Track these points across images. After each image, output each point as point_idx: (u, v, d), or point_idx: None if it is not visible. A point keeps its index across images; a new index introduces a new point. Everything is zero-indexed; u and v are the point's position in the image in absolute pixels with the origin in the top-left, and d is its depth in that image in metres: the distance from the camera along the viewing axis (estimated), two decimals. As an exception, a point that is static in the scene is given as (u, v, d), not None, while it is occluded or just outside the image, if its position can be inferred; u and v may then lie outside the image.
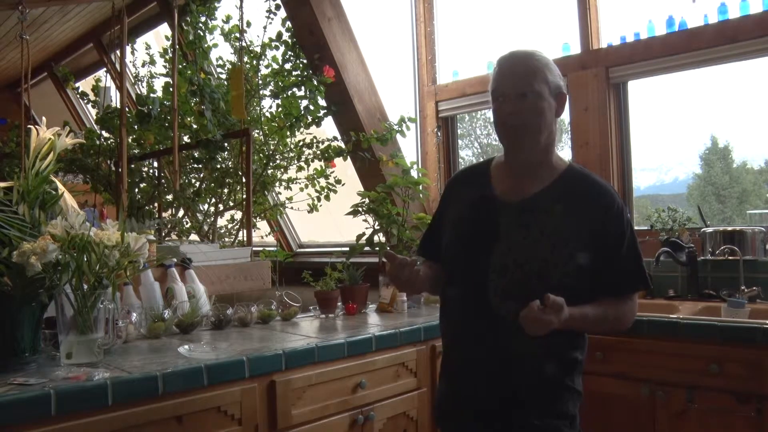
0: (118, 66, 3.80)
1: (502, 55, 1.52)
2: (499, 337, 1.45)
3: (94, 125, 4.80)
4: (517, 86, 1.45)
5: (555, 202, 1.47)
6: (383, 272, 2.68)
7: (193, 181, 3.80)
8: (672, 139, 3.25)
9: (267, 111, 3.62)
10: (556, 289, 1.37)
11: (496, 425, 1.48)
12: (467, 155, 4.00)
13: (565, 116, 3.30)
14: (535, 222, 1.45)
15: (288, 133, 3.51)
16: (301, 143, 3.60)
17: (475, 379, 1.51)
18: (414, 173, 3.06)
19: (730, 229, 2.66)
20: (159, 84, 3.97)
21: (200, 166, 3.67)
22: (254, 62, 3.56)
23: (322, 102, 3.47)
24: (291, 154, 3.63)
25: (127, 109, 3.42)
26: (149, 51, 4.05)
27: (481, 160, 1.78)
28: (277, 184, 3.76)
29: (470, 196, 1.58)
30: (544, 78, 1.46)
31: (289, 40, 3.50)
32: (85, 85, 5.33)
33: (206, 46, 3.71)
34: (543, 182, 1.50)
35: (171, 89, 3.32)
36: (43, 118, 1.80)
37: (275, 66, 3.55)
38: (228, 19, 3.65)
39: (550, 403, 1.47)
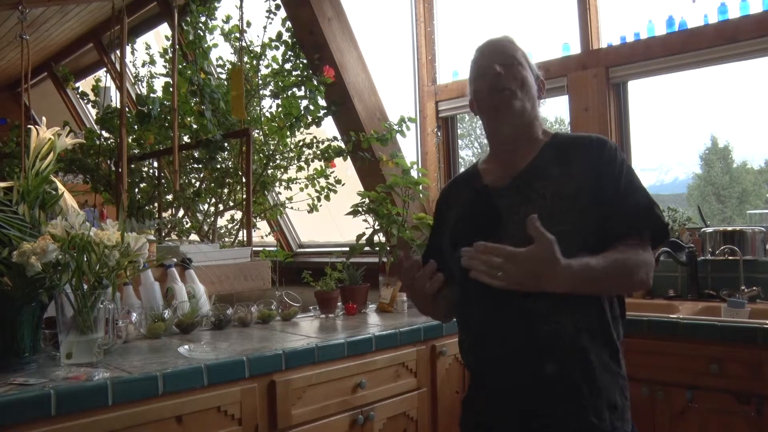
0: (118, 66, 3.80)
1: (480, 44, 1.54)
2: (529, 326, 1.31)
3: (94, 125, 4.80)
4: (501, 59, 1.45)
5: (549, 166, 1.40)
6: (383, 272, 2.68)
7: (193, 181, 3.80)
8: (672, 139, 3.25)
9: (267, 111, 3.62)
10: (573, 258, 1.24)
11: (546, 425, 1.33)
12: (467, 155, 4.00)
13: (565, 116, 3.30)
14: (535, 191, 1.37)
15: (288, 133, 3.51)
16: (301, 143, 3.60)
17: (513, 376, 1.36)
18: (414, 173, 3.06)
19: (730, 229, 2.66)
20: (159, 84, 3.97)
21: (200, 166, 3.67)
22: (254, 62, 3.56)
23: (322, 102, 3.47)
24: (291, 154, 3.63)
25: (127, 109, 3.42)
26: (149, 51, 4.05)
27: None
28: (277, 184, 3.76)
29: (463, 197, 1.54)
30: (524, 56, 1.48)
31: (289, 40, 3.50)
32: (85, 85, 5.34)
33: (206, 46, 3.71)
34: (531, 154, 1.44)
35: (171, 89, 3.32)
36: (43, 118, 1.80)
37: (275, 66, 3.55)
38: (228, 19, 3.65)
39: (596, 394, 1.32)
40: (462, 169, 3.80)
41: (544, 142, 1.46)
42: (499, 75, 1.42)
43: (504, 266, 1.17)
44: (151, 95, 3.83)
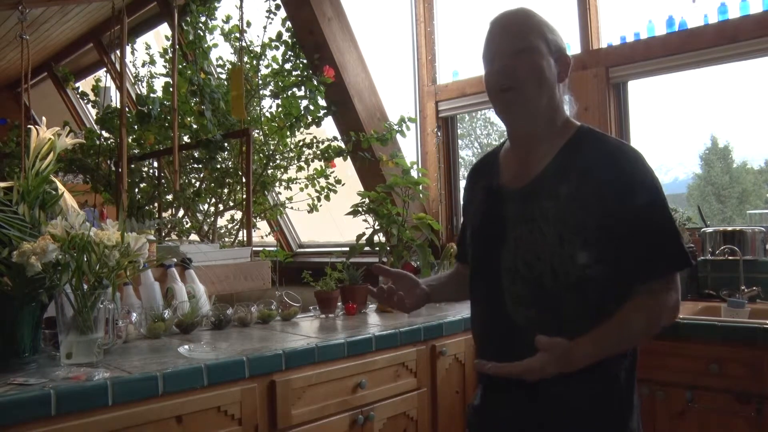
0: (118, 66, 3.80)
1: (494, 17, 1.36)
2: (520, 349, 1.19)
3: (94, 125, 4.80)
4: (511, 43, 1.29)
5: (560, 181, 1.26)
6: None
7: (193, 181, 3.80)
8: (672, 139, 3.25)
9: (267, 111, 3.62)
10: (574, 288, 1.21)
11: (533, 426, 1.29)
12: (467, 155, 4.00)
13: (565, 116, 3.30)
14: (540, 210, 1.26)
15: (288, 133, 3.52)
16: (301, 143, 3.60)
17: (504, 396, 1.33)
18: (414, 173, 3.06)
19: (730, 229, 2.66)
20: (159, 84, 3.97)
21: (200, 166, 3.67)
22: (254, 62, 3.56)
23: (322, 102, 3.47)
24: (291, 154, 3.63)
25: (127, 109, 3.42)
26: (149, 51, 4.05)
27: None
28: (277, 184, 3.76)
29: (480, 189, 1.43)
30: (541, 34, 1.30)
31: (289, 40, 3.50)
32: (85, 85, 5.34)
33: (206, 46, 3.72)
34: (547, 157, 1.30)
35: (171, 89, 3.32)
36: (43, 118, 1.80)
37: (275, 66, 3.55)
38: (228, 19, 3.65)
39: (588, 425, 1.25)
40: (462, 170, 3.80)
41: (566, 139, 1.31)
42: (504, 69, 1.28)
43: (526, 377, 1.17)
44: (151, 95, 3.83)
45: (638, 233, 1.22)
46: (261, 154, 3.60)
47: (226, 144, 3.34)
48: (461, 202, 1.70)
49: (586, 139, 1.32)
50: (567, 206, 1.24)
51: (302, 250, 4.41)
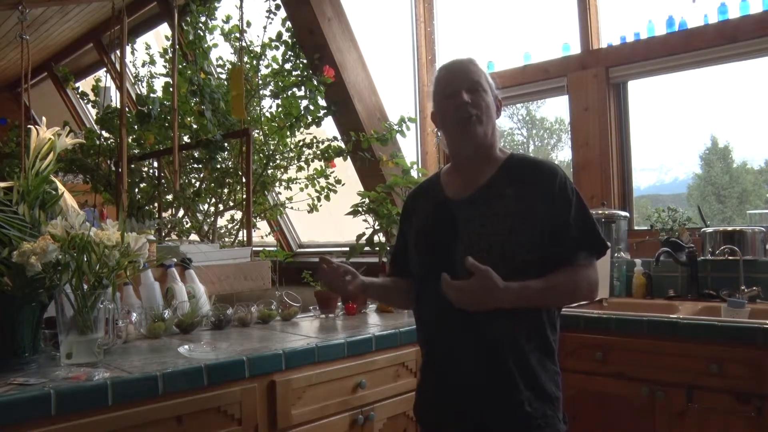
0: (118, 66, 3.80)
1: (444, 63, 1.66)
2: (479, 326, 1.47)
3: (94, 125, 4.80)
4: (468, 82, 1.56)
5: (504, 186, 1.54)
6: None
7: (193, 181, 3.80)
8: (672, 139, 3.25)
9: (267, 111, 3.62)
10: (520, 268, 1.44)
11: (488, 412, 1.49)
12: (467, 155, 3.99)
13: (565, 116, 3.30)
14: (489, 208, 1.52)
15: (288, 133, 3.52)
16: (301, 143, 3.60)
17: (461, 368, 1.52)
18: (414, 173, 3.06)
19: (730, 229, 2.66)
20: (159, 84, 3.97)
21: (200, 166, 3.67)
22: (254, 62, 3.56)
23: (322, 102, 3.47)
24: (291, 154, 3.63)
25: (127, 109, 3.42)
26: (149, 51, 4.05)
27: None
28: (277, 184, 3.76)
29: (426, 207, 1.66)
30: (485, 78, 1.60)
31: (289, 40, 3.50)
32: (85, 85, 5.33)
33: (206, 46, 3.72)
34: (489, 173, 1.59)
35: (171, 89, 3.32)
36: (43, 118, 1.80)
37: (275, 66, 3.55)
38: (228, 19, 3.65)
39: (530, 387, 1.49)
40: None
41: (502, 160, 1.60)
42: (466, 104, 1.54)
43: (456, 296, 1.38)
44: (151, 95, 3.83)
45: (571, 225, 1.50)
46: (261, 154, 3.60)
47: (226, 144, 3.33)
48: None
49: (519, 158, 1.63)
50: (514, 202, 1.51)
51: (302, 250, 4.41)
